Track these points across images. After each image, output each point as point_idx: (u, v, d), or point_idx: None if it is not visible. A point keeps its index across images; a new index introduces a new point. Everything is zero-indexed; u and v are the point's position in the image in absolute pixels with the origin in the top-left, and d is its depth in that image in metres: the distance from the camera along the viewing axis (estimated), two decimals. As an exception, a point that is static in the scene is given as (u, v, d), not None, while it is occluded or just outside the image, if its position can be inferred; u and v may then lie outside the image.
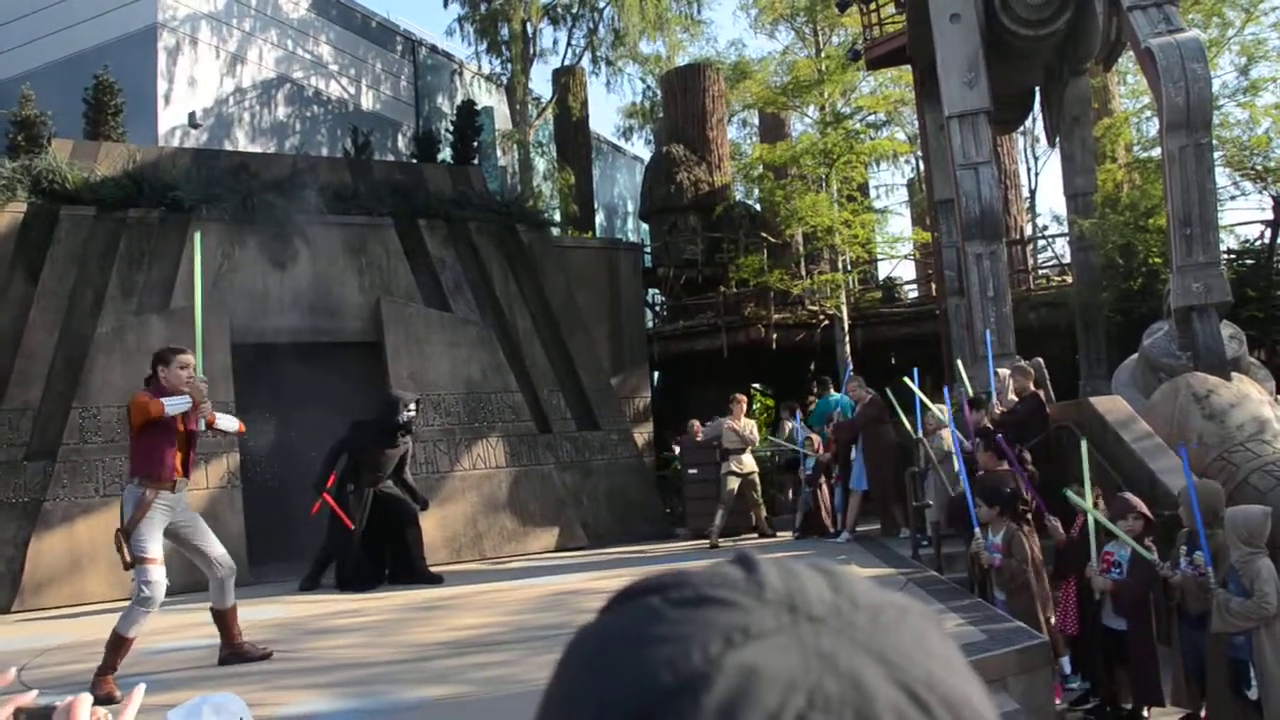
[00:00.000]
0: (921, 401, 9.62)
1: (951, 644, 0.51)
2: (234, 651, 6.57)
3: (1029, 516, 6.98)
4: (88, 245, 12.03)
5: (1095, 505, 6.49)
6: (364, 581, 10.02)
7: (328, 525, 10.22)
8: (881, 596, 0.51)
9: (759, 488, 12.52)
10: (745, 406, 12.63)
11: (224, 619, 6.57)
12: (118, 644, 5.95)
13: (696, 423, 13.47)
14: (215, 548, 6.48)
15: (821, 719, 0.43)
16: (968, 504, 6.89)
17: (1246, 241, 18.48)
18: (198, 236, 6.81)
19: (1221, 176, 14.74)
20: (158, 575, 6.04)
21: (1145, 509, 6.37)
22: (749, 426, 12.39)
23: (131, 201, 12.32)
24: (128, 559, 6.08)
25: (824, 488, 12.04)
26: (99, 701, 4.52)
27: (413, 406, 10.44)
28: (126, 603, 6.29)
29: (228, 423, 6.65)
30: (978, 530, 6.77)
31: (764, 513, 12.55)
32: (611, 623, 0.52)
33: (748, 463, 12.23)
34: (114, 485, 10.92)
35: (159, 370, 6.24)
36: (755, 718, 0.43)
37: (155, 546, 6.10)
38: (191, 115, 20.71)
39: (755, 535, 12.41)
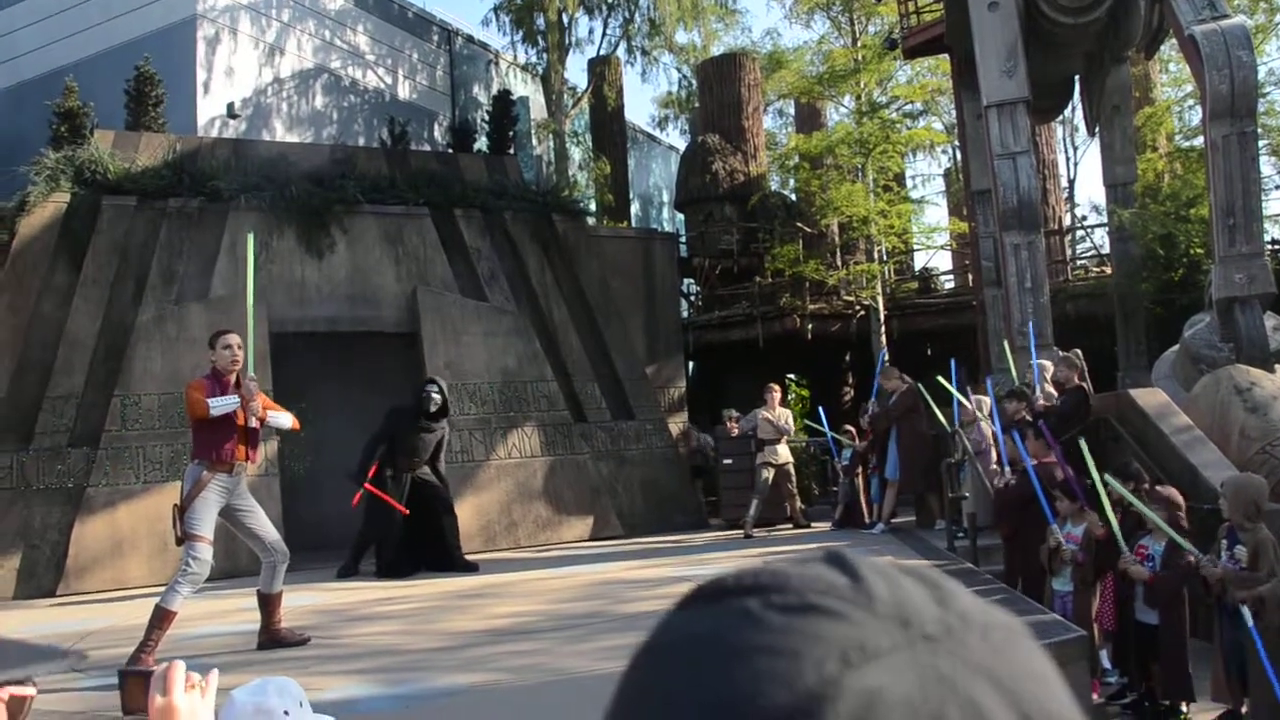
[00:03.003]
0: (957, 397, 9.57)
1: (1053, 666, 0.48)
2: (272, 637, 6.66)
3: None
4: (129, 235, 12.19)
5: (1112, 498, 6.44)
6: (403, 569, 10.10)
7: (365, 511, 10.31)
8: (987, 612, 0.48)
9: (794, 478, 12.50)
10: (780, 396, 12.60)
11: (268, 603, 6.68)
12: (160, 618, 6.09)
13: (731, 414, 13.42)
14: (270, 533, 6.64)
15: None
16: (1038, 495, 6.85)
17: (1291, 232, 18.19)
18: (251, 237, 6.85)
19: (1266, 165, 14.53)
20: (205, 553, 6.22)
21: (1179, 501, 6.29)
22: (784, 416, 12.37)
23: (172, 191, 12.46)
24: (179, 534, 6.25)
25: (860, 478, 12.02)
26: (131, 673, 4.66)
27: (432, 390, 10.48)
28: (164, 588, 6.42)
29: (281, 419, 6.77)
30: (1055, 524, 6.75)
31: (799, 504, 12.54)
32: (703, 626, 0.47)
33: (783, 453, 12.22)
34: (155, 472, 11.08)
35: (210, 354, 6.56)
36: None
37: (207, 526, 6.27)
38: (230, 106, 20.90)
39: (790, 526, 12.41)
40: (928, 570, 0.50)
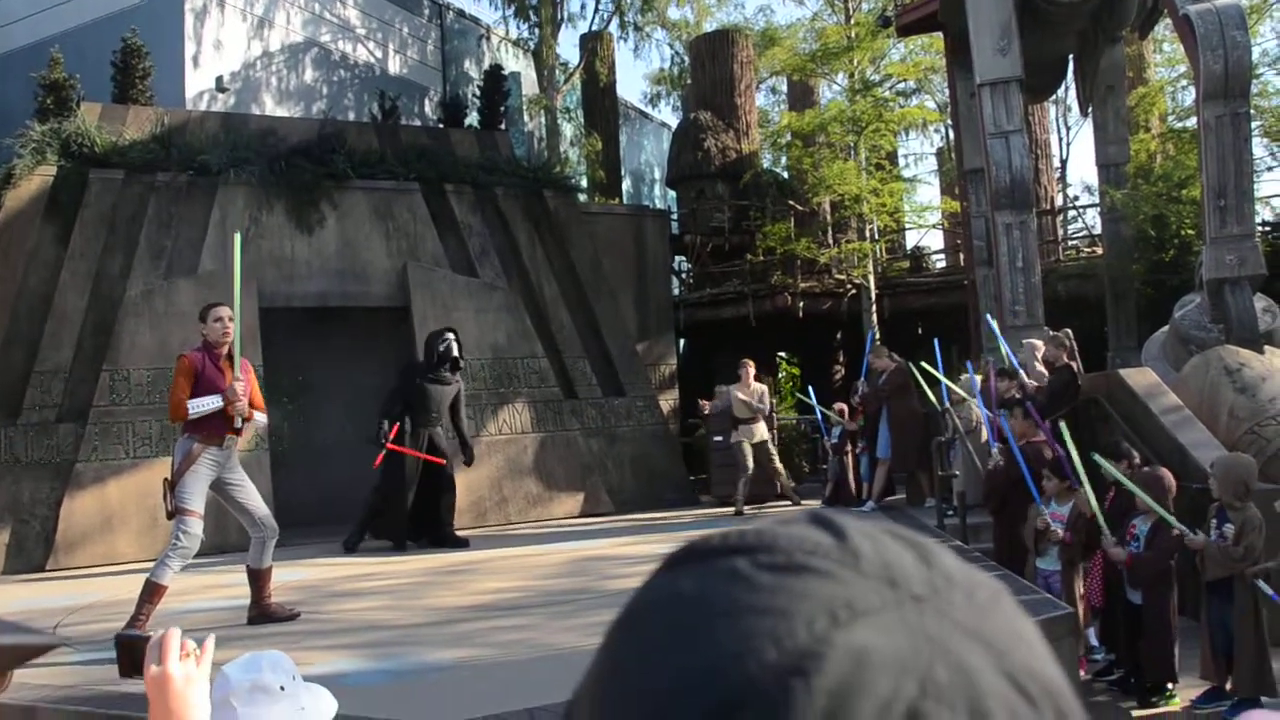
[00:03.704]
0: (943, 381, 9.58)
1: (1036, 627, 0.48)
2: (261, 612, 6.67)
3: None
4: (117, 209, 12.10)
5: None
6: (402, 536, 10.16)
7: (383, 474, 10.20)
8: (972, 573, 0.48)
9: (774, 455, 12.39)
10: (754, 372, 12.44)
11: (258, 578, 6.68)
12: (151, 591, 6.10)
13: (704, 403, 13.26)
14: (260, 509, 6.63)
15: (934, 708, 0.41)
16: (1024, 475, 6.89)
17: (1282, 213, 18.23)
18: (237, 237, 6.80)
19: (1258, 147, 14.53)
20: (196, 527, 6.20)
21: (1170, 481, 6.31)
22: (759, 392, 12.23)
23: (160, 165, 12.37)
24: (170, 508, 6.25)
25: (849, 456, 12.02)
26: (124, 643, 4.65)
27: (450, 336, 10.46)
28: (155, 562, 6.41)
29: (260, 419, 6.73)
30: (1040, 503, 6.78)
31: (784, 478, 12.47)
32: (690, 585, 0.47)
33: (758, 431, 12.10)
34: (144, 447, 11.06)
35: (200, 327, 6.57)
36: (868, 704, 0.40)
37: (198, 500, 6.25)
38: (219, 79, 20.72)
39: (787, 503, 12.36)
40: (911, 532, 0.50)
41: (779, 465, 12.43)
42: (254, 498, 6.63)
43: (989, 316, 10.49)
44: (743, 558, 0.47)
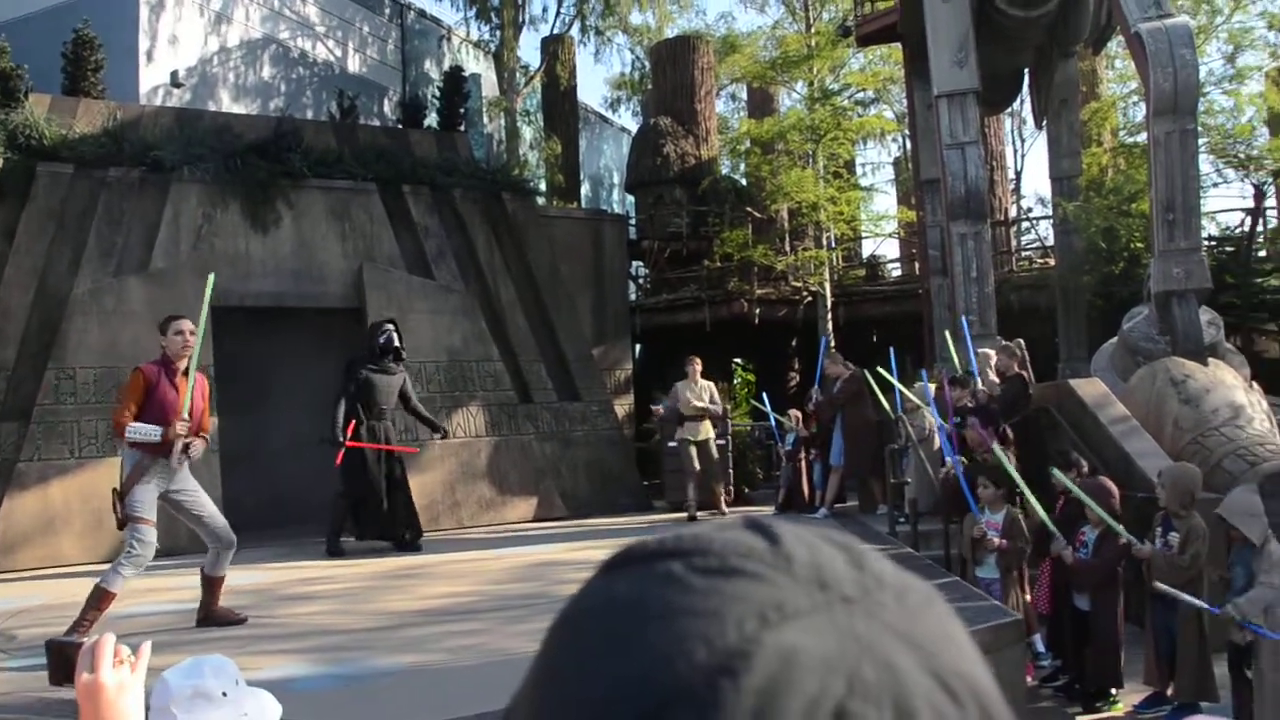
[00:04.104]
0: (898, 385, 9.66)
1: (967, 630, 0.49)
2: (209, 615, 6.57)
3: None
4: (66, 204, 11.88)
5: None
6: (396, 532, 10.09)
7: (343, 473, 10.05)
8: (903, 577, 0.49)
9: (716, 456, 12.15)
10: (701, 369, 12.26)
11: (211, 585, 6.63)
12: (99, 598, 6.03)
13: (656, 409, 13.18)
14: (216, 520, 6.54)
15: (861, 706, 0.42)
16: (962, 484, 6.96)
17: (1227, 229, 18.62)
18: (211, 278, 6.73)
19: (1205, 163, 14.80)
20: (149, 536, 6.18)
21: (1115, 499, 6.40)
22: (707, 389, 12.12)
23: (111, 160, 12.14)
24: (120, 517, 6.20)
25: (803, 463, 12.04)
26: (60, 646, 4.56)
27: (389, 327, 10.38)
28: (99, 565, 6.37)
29: (198, 449, 6.53)
30: (977, 512, 6.84)
31: (721, 492, 12.17)
32: (626, 589, 0.48)
33: (704, 430, 11.92)
34: (89, 447, 10.85)
35: (160, 338, 6.52)
36: (795, 703, 0.41)
37: (149, 508, 6.22)
38: (174, 74, 20.43)
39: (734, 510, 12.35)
40: (845, 536, 0.51)
41: (716, 475, 12.16)
42: (208, 508, 6.54)
43: (964, 320, 10.54)
44: (677, 561, 0.48)
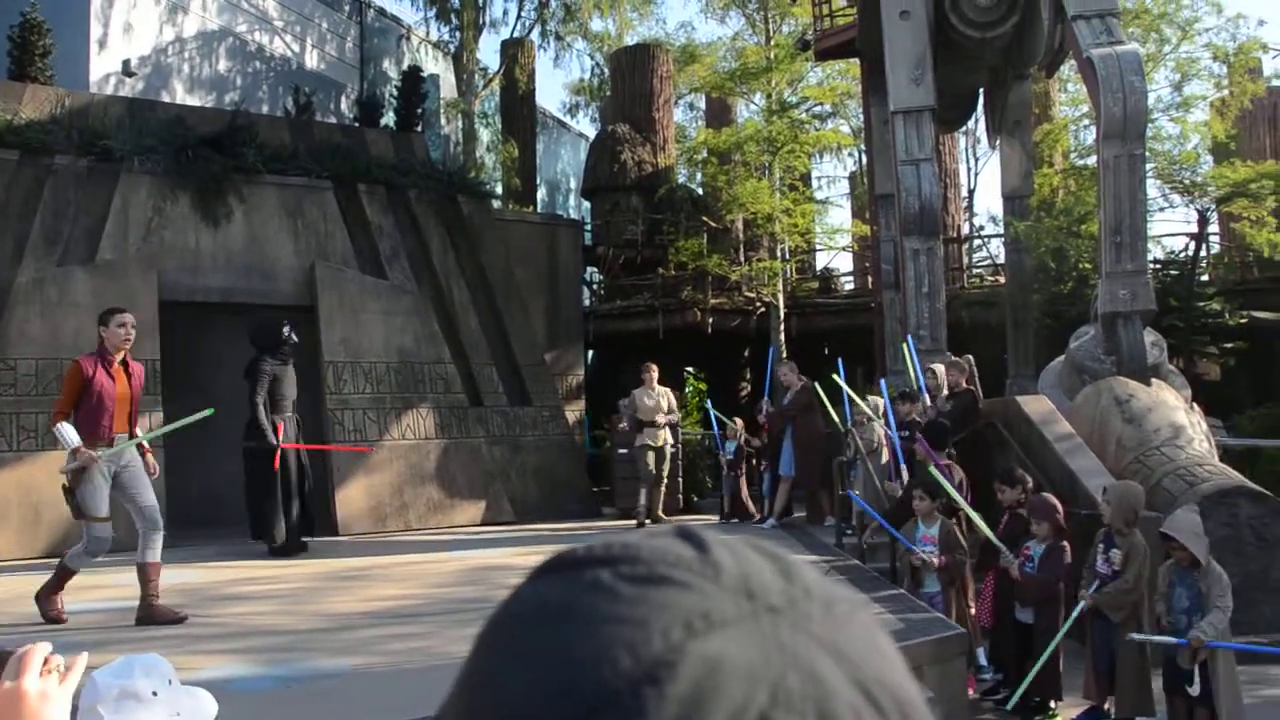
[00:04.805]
0: (849, 395, 9.73)
1: (893, 642, 0.50)
2: (147, 613, 6.48)
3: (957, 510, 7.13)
4: (10, 191, 11.63)
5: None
6: (296, 537, 9.85)
7: (247, 477, 9.90)
8: (830, 588, 0.49)
9: (669, 465, 12.21)
10: (657, 375, 12.25)
11: (144, 573, 6.58)
12: (62, 573, 6.48)
13: (622, 423, 13.15)
14: (146, 499, 6.63)
15: (784, 716, 0.42)
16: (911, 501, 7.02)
17: (1172, 253, 19.00)
18: (210, 411, 6.89)
19: (1152, 188, 15.12)
20: (104, 530, 6.44)
21: (1060, 515, 6.48)
22: (664, 395, 12.15)
23: (59, 148, 11.91)
24: (74, 514, 6.47)
25: (743, 473, 12.05)
26: (47, 619, 4.88)
27: (286, 320, 10.33)
28: (36, 561, 6.58)
29: (121, 443, 6.64)
30: (908, 543, 6.86)
31: (661, 499, 12.16)
32: (554, 595, 0.48)
33: (662, 435, 11.94)
34: (28, 440, 10.61)
35: (100, 330, 6.61)
36: (720, 712, 0.42)
37: (102, 504, 6.42)
38: (126, 63, 20.09)
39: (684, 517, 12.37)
40: (773, 547, 0.51)
41: (664, 482, 12.17)
42: (143, 488, 6.64)
43: (910, 340, 10.60)
44: (606, 569, 0.48)
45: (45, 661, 1.57)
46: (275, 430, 9.78)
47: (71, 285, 11.19)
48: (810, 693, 0.43)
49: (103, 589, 7.56)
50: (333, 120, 22.45)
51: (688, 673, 0.42)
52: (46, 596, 6.46)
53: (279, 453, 9.76)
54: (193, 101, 20.41)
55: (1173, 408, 9.41)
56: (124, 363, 6.60)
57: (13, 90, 12.68)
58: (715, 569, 0.47)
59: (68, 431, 6.33)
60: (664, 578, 0.47)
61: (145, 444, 6.82)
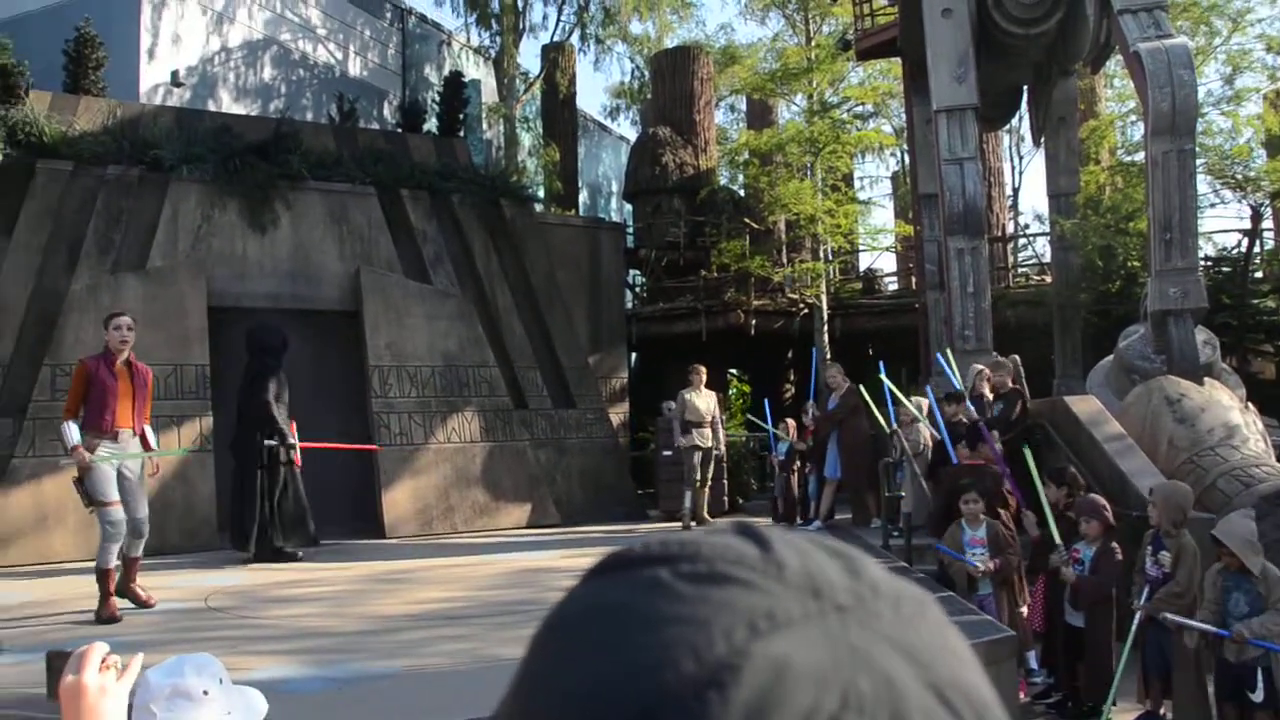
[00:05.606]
0: (894, 395, 9.65)
1: (965, 639, 0.47)
2: (124, 591, 7.08)
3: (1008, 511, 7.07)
4: (64, 200, 11.86)
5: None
6: (267, 545, 9.73)
7: (233, 483, 9.97)
8: (899, 584, 0.47)
9: (713, 466, 12.27)
10: (705, 377, 12.36)
11: (128, 565, 7.15)
12: (102, 575, 6.81)
13: (669, 406, 13.21)
14: (140, 511, 7.12)
15: None
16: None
17: (1224, 249, 18.66)
18: (186, 450, 7.49)
19: (1202, 184, 14.84)
20: (117, 515, 6.86)
21: (1109, 513, 6.40)
22: (710, 399, 12.21)
23: (111, 158, 12.14)
24: (87, 504, 6.93)
25: (794, 474, 12.03)
26: (102, 621, 5.63)
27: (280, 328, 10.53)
28: (91, 563, 7.05)
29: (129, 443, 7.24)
30: (961, 558, 6.76)
31: (705, 501, 12.23)
32: (612, 595, 0.46)
33: (709, 436, 12.03)
34: (83, 444, 10.79)
35: (105, 333, 7.27)
36: (787, 718, 0.40)
37: (110, 490, 6.88)
38: (175, 73, 20.43)
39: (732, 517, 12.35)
40: (839, 543, 0.49)
41: (708, 484, 12.22)
42: (138, 500, 7.11)
43: (940, 355, 10.48)
44: (665, 567, 0.46)
45: (103, 659, 1.64)
46: (289, 429, 9.85)
47: (124, 292, 11.38)
48: (882, 696, 0.41)
49: (157, 590, 7.68)
50: (376, 126, 22.68)
51: (753, 676, 0.40)
52: (104, 603, 6.79)
53: (296, 452, 9.83)
54: (239, 110, 20.73)
55: (1226, 407, 9.25)
56: (128, 363, 7.16)
57: (68, 103, 12.94)
58: (778, 567, 0.46)
59: (68, 431, 6.89)
60: (725, 576, 0.45)
61: (152, 444, 7.39)
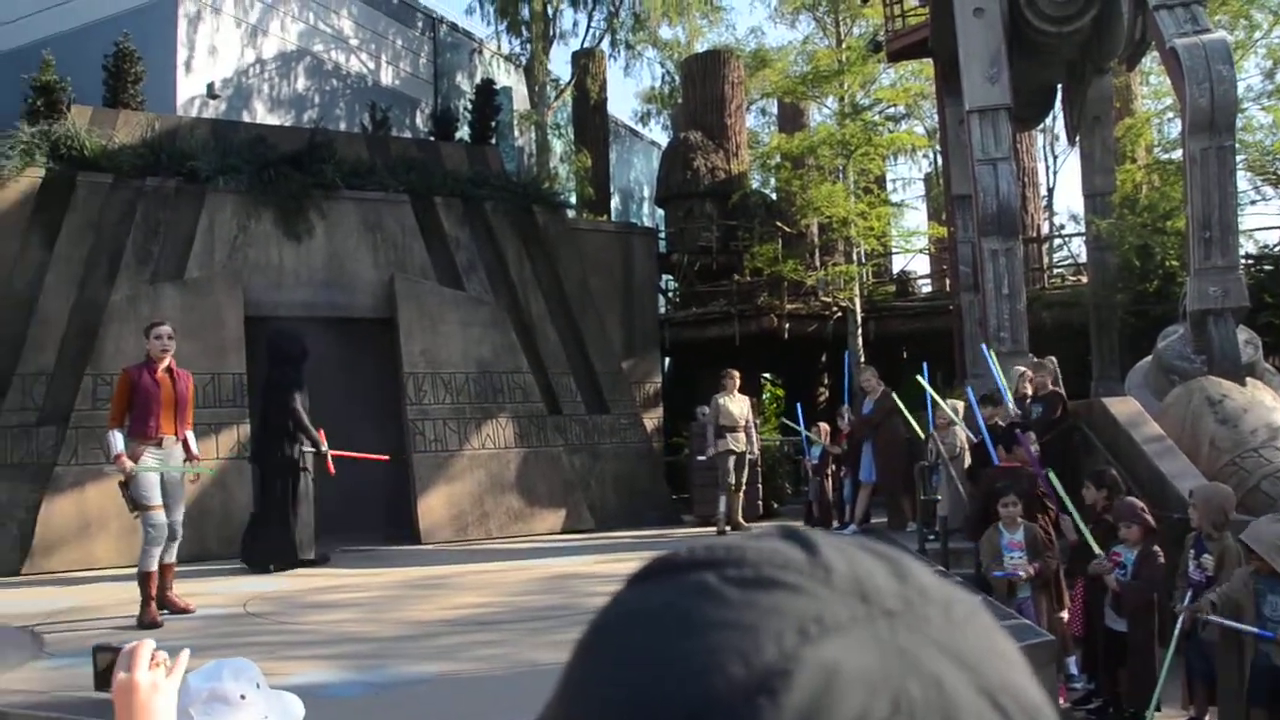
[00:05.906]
0: (932, 398, 9.58)
1: (1014, 643, 0.47)
2: (161, 600, 7.21)
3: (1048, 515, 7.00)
4: (104, 212, 12.05)
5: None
6: (290, 555, 9.78)
7: (261, 489, 10.08)
8: (947, 588, 0.47)
9: (748, 471, 12.26)
10: (738, 381, 12.35)
11: (163, 570, 7.24)
12: (144, 579, 6.99)
13: (703, 411, 13.21)
14: (175, 516, 7.30)
15: None
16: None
17: (1265, 247, 18.40)
18: (201, 469, 7.79)
19: (1242, 180, 14.66)
20: (159, 518, 7.08)
21: (1148, 516, 6.32)
22: (744, 404, 12.21)
23: (149, 170, 12.32)
24: (131, 508, 7.14)
25: (828, 477, 11.99)
26: (143, 626, 5.70)
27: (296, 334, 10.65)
28: (133, 569, 7.26)
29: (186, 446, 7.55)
30: (999, 574, 6.70)
31: (740, 505, 12.24)
32: (657, 600, 0.46)
33: (742, 441, 11.99)
34: (124, 452, 10.95)
35: (145, 342, 7.51)
36: None
37: (154, 493, 7.10)
38: (210, 85, 20.68)
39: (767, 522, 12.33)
40: (885, 546, 0.49)
41: (743, 487, 12.20)
42: (175, 507, 7.29)
43: (984, 349, 10.41)
44: (711, 572, 0.46)
45: (151, 656, 1.67)
46: (320, 441, 9.89)
47: (162, 302, 11.52)
48: (933, 701, 0.41)
49: (195, 597, 7.77)
50: (408, 135, 22.83)
51: (804, 682, 0.40)
52: (145, 608, 6.97)
53: (329, 460, 9.88)
54: (273, 120, 20.94)
55: (1270, 408, 9.10)
56: (169, 370, 7.37)
57: (107, 117, 13.15)
58: (826, 571, 0.45)
59: (113, 440, 7.09)
60: (773, 580, 0.45)
61: (194, 450, 7.56)
